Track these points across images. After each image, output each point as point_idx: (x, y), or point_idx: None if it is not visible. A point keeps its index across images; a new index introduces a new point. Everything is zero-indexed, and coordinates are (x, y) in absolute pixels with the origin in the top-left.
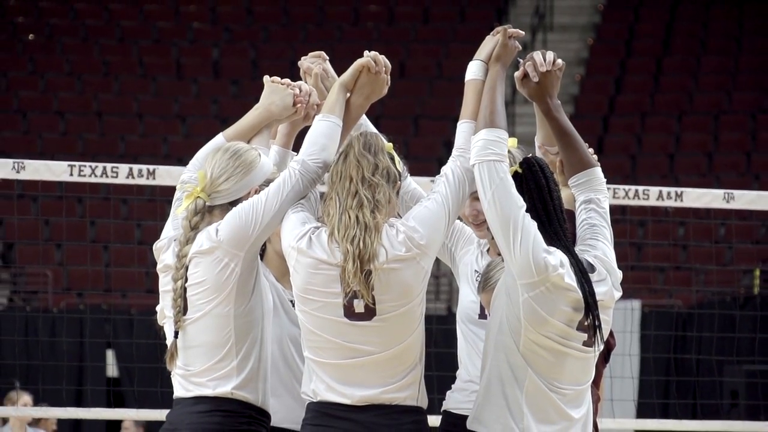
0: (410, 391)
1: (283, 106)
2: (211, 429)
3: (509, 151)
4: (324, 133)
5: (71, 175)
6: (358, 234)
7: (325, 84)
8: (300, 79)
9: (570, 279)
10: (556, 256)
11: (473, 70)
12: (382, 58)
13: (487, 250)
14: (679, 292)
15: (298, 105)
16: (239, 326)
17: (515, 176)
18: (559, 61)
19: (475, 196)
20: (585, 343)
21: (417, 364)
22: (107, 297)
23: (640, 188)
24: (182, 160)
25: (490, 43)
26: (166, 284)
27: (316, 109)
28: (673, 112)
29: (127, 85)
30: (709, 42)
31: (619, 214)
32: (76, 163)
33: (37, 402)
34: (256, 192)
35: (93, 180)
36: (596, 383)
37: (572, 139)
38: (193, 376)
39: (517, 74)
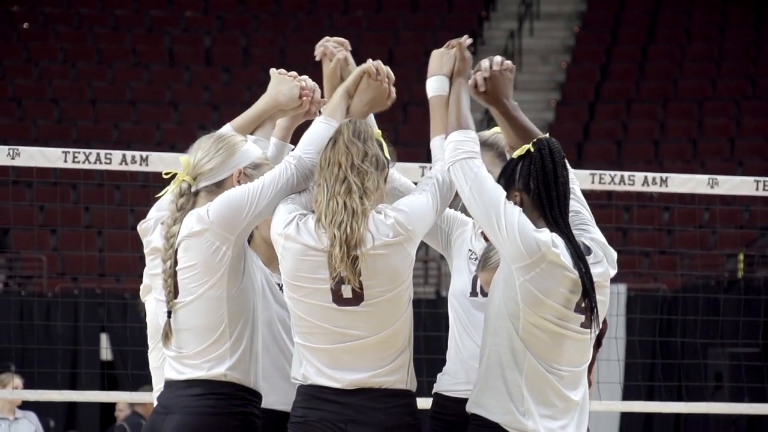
0: (399, 375)
1: (290, 96)
2: (206, 412)
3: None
4: (322, 135)
5: (65, 161)
6: (345, 219)
7: (343, 73)
8: (289, 67)
9: (566, 259)
10: (546, 234)
11: (436, 85)
12: (386, 69)
13: (482, 232)
14: (665, 276)
15: (304, 98)
16: (232, 308)
17: (526, 155)
18: (508, 62)
19: None
20: (582, 325)
21: (405, 348)
22: (101, 281)
23: (626, 174)
24: (175, 147)
25: (448, 59)
26: (154, 267)
27: (318, 105)
28: (658, 99)
29: (121, 72)
30: (693, 30)
31: (604, 200)
32: (71, 150)
33: (31, 385)
34: (243, 175)
35: (87, 166)
36: (589, 368)
37: (535, 135)
38: (185, 358)
39: (470, 83)
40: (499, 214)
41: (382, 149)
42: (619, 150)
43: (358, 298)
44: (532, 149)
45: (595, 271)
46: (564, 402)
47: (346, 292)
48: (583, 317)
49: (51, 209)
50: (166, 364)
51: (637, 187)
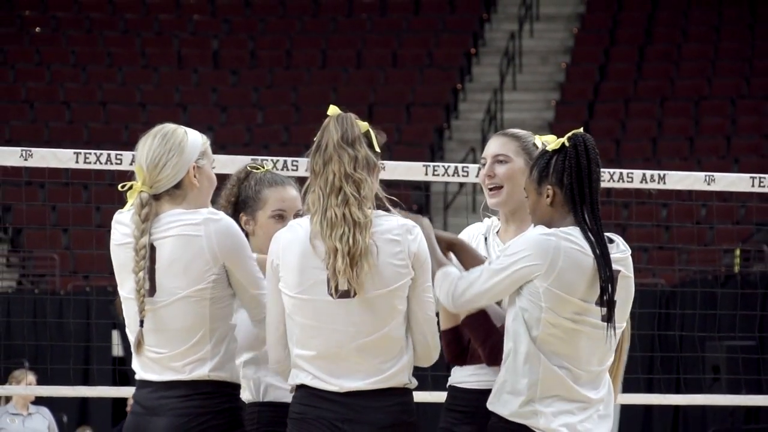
0: (398, 379)
1: None
2: (194, 413)
3: (545, 146)
4: None
5: (77, 162)
6: (346, 231)
7: None
8: (294, 69)
9: (579, 240)
10: (540, 227)
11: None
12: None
13: (497, 232)
14: (663, 272)
15: None
16: (215, 311)
17: (560, 149)
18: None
19: (496, 159)
20: (603, 318)
21: (403, 353)
22: (113, 279)
23: (625, 171)
24: None
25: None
26: (126, 263)
27: None
28: (656, 98)
29: (130, 75)
30: (690, 31)
31: (604, 197)
32: (82, 151)
33: (44, 381)
34: (196, 168)
35: (98, 167)
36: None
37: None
38: (165, 359)
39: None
40: (505, 276)
41: (370, 143)
42: (618, 148)
43: (353, 290)
44: (567, 144)
45: (614, 257)
46: (582, 401)
47: (343, 284)
48: (604, 309)
49: (63, 209)
50: (138, 363)
51: (636, 185)
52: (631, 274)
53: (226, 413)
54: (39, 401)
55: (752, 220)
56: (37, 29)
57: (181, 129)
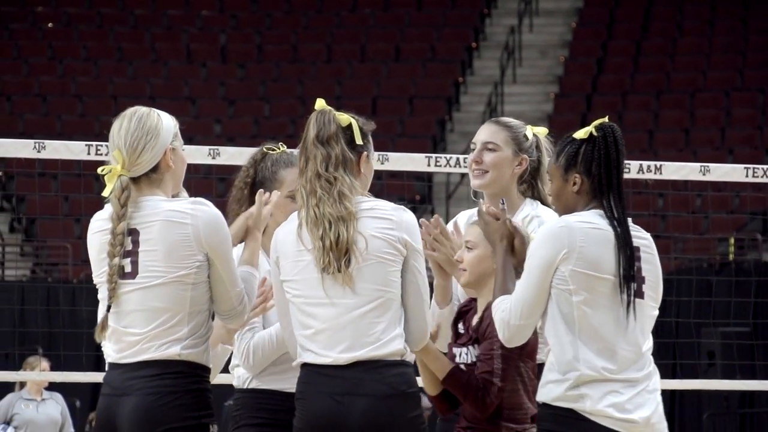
0: (393, 346)
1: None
2: (164, 392)
3: (536, 137)
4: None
5: (88, 154)
6: (326, 228)
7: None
8: (300, 62)
9: (594, 220)
10: (553, 218)
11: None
12: None
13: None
14: (660, 260)
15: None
16: (195, 295)
17: (589, 138)
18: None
19: (486, 147)
20: (636, 294)
21: (397, 323)
22: None
23: None
24: (192, 140)
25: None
26: (103, 249)
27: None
28: (652, 91)
29: (141, 69)
30: (685, 25)
31: None
32: (93, 143)
33: (57, 367)
34: (171, 150)
35: (109, 158)
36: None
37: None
38: (141, 340)
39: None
40: (529, 279)
41: (351, 137)
42: None
43: (342, 267)
44: (595, 133)
45: (635, 234)
46: (628, 381)
47: (332, 262)
48: (634, 285)
49: (75, 199)
50: (112, 348)
51: (633, 175)
52: (655, 254)
53: (193, 393)
54: (52, 387)
55: (746, 210)
56: (50, 25)
57: (155, 112)
